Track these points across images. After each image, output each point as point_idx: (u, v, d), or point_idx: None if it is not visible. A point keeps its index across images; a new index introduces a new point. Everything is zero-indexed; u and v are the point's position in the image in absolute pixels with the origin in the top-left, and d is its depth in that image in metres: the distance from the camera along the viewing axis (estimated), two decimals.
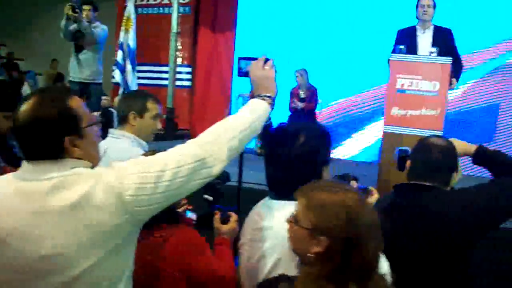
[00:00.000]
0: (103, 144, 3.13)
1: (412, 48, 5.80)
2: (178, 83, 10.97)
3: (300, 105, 8.90)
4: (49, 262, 1.60)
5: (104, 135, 3.25)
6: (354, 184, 2.21)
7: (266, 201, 2.15)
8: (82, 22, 7.45)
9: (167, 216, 2.22)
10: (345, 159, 9.51)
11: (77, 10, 7.36)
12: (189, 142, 1.80)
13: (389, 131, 5.31)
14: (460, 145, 2.64)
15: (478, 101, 9.00)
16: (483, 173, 2.71)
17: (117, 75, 9.65)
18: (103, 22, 7.98)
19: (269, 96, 2.02)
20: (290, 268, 1.79)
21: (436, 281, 2.44)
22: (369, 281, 1.55)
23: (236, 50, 11.06)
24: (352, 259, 1.52)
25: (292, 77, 9.08)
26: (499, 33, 8.85)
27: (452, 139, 2.65)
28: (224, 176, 2.73)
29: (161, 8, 11.89)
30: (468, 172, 2.66)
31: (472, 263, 2.48)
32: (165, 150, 1.79)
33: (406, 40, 5.89)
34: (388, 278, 1.82)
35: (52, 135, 1.67)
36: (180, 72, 11.33)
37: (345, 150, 9.78)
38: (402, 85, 5.25)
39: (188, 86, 11.76)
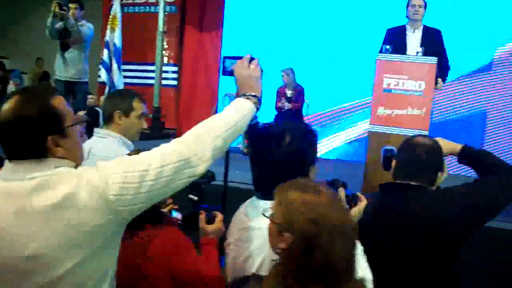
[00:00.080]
0: (88, 144, 3.13)
1: (401, 48, 5.81)
2: (164, 82, 10.96)
3: (287, 105, 8.88)
4: (32, 262, 1.59)
5: (89, 135, 3.24)
6: (342, 191, 2.20)
7: (253, 201, 2.14)
8: (69, 20, 7.40)
9: (152, 216, 2.21)
10: (331, 158, 9.53)
11: (64, 7, 7.31)
12: (174, 141, 1.79)
13: (375, 130, 5.33)
14: (445, 144, 2.65)
15: (465, 107, 9.05)
16: (469, 172, 2.71)
17: (103, 74, 9.61)
18: (89, 21, 7.94)
19: (254, 95, 2.01)
20: None
21: (423, 281, 2.44)
22: (338, 284, 1.53)
23: (223, 49, 11.06)
24: (314, 259, 1.52)
25: (278, 76, 9.07)
26: (488, 36, 8.89)
27: (437, 139, 2.65)
28: (209, 175, 2.72)
29: (147, 7, 11.86)
30: (454, 171, 2.66)
31: (472, 263, 2.49)
32: (150, 149, 1.78)
33: (395, 39, 5.91)
34: (369, 285, 1.83)
35: (35, 135, 1.66)
36: (166, 71, 11.31)
37: (331, 149, 9.80)
38: (389, 84, 5.27)
39: (174, 86, 11.75)
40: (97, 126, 3.33)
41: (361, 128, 9.35)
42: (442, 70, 5.81)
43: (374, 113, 5.34)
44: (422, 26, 6.01)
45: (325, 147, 9.69)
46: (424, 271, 2.43)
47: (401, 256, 2.43)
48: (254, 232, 2.00)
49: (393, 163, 2.62)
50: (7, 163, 1.69)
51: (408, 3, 6.01)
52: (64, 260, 1.61)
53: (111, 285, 1.79)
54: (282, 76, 9.02)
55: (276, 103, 9.05)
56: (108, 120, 3.22)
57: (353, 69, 9.28)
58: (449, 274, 2.48)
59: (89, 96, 8.93)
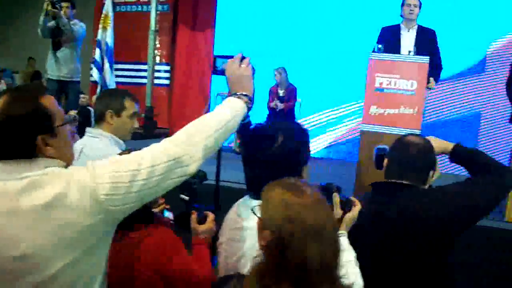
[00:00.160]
0: (80, 143, 3.11)
1: (395, 47, 5.82)
2: (156, 81, 10.95)
3: (280, 105, 8.87)
4: (23, 262, 1.58)
5: (81, 134, 3.23)
6: (336, 196, 2.20)
7: (245, 200, 2.14)
8: (62, 19, 7.36)
9: (143, 217, 2.20)
10: (323, 157, 9.53)
11: (57, 6, 7.27)
12: (165, 140, 1.78)
13: (367, 129, 5.33)
14: (437, 143, 2.65)
15: (459, 108, 9.08)
16: (462, 171, 2.72)
17: (95, 74, 9.58)
18: (81, 20, 7.91)
19: (245, 95, 2.00)
20: None
21: (415, 280, 2.45)
22: (311, 287, 1.52)
23: (215, 48, 11.05)
24: (287, 259, 1.51)
25: (271, 75, 9.06)
26: (480, 33, 8.91)
27: (430, 138, 2.66)
28: (201, 175, 2.72)
29: (139, 6, 11.83)
30: (446, 170, 2.67)
31: (472, 264, 2.49)
32: (141, 149, 1.77)
33: (390, 38, 5.91)
34: None
35: (24, 134, 1.65)
36: (158, 71, 11.30)
37: (323, 148, 9.80)
38: (381, 83, 5.27)
39: (166, 85, 11.73)
40: (89, 125, 3.32)
41: (354, 128, 9.33)
42: (435, 70, 5.82)
43: (366, 112, 5.34)
44: (416, 26, 6.02)
45: (318, 146, 9.68)
46: (416, 270, 2.43)
47: (392, 256, 2.44)
48: (246, 232, 2.00)
49: (385, 162, 2.63)
50: None
51: (403, 2, 6.02)
52: (55, 260, 1.60)
53: (103, 285, 1.79)
54: (275, 75, 9.01)
55: (268, 103, 9.04)
56: (100, 120, 3.21)
57: (346, 68, 9.27)
58: (441, 274, 2.48)
59: (81, 96, 8.90)
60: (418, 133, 4.61)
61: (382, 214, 2.47)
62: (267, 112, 9.03)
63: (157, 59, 11.31)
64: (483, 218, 2.51)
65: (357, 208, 2.21)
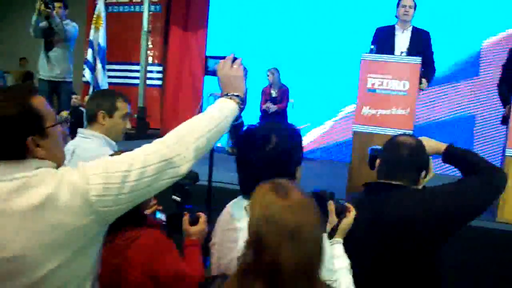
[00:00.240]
0: (72, 144, 3.11)
1: (389, 47, 5.83)
2: (149, 82, 10.92)
3: (273, 108, 8.85)
4: (13, 264, 1.58)
5: (73, 135, 3.22)
6: (331, 204, 2.21)
7: (239, 201, 2.14)
8: (55, 18, 7.33)
9: (133, 218, 2.19)
10: (314, 158, 9.54)
11: (49, 5, 7.24)
12: (156, 141, 1.78)
13: (360, 130, 5.35)
14: (430, 143, 2.66)
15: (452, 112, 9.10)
16: (457, 172, 2.72)
17: (87, 74, 9.55)
18: (73, 20, 7.88)
19: (237, 95, 2.01)
20: None
21: (403, 280, 2.45)
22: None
23: (208, 49, 11.04)
24: (261, 258, 1.51)
25: (263, 76, 9.06)
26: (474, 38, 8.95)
27: (423, 138, 2.66)
28: (193, 176, 2.71)
29: (132, 6, 11.80)
30: (443, 171, 2.67)
31: (461, 263, 2.49)
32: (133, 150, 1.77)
33: (384, 38, 5.92)
34: None
35: (14, 135, 1.64)
36: (151, 71, 11.27)
37: (316, 148, 9.80)
38: (373, 84, 5.29)
39: (159, 85, 11.70)
40: (81, 126, 3.31)
41: (347, 128, 9.32)
42: (428, 71, 5.84)
43: (358, 113, 5.36)
44: (411, 27, 6.02)
45: (310, 146, 9.68)
46: (404, 270, 2.44)
47: (381, 255, 2.44)
48: (239, 232, 2.00)
49: (377, 162, 2.63)
50: None
51: (398, 3, 6.01)
52: (46, 261, 1.60)
53: (94, 286, 1.79)
54: (267, 75, 9.00)
55: (261, 103, 9.04)
56: (92, 120, 3.20)
57: (339, 69, 9.26)
58: (430, 274, 2.49)
59: (73, 96, 8.85)
60: (410, 133, 4.62)
61: (373, 214, 2.48)
62: (259, 113, 9.02)
63: (150, 59, 11.29)
64: (474, 218, 2.52)
65: (351, 214, 2.21)
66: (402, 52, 5.71)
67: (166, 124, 10.96)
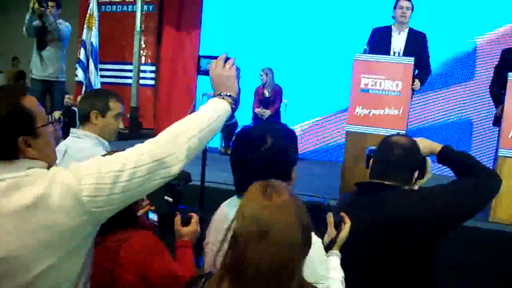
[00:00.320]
0: (64, 144, 3.10)
1: (385, 48, 5.84)
2: (142, 82, 10.89)
3: (267, 113, 8.80)
4: (6, 264, 1.57)
5: (66, 134, 3.21)
6: (330, 216, 2.21)
7: (233, 200, 2.14)
8: (48, 17, 7.30)
9: (125, 219, 2.19)
10: (307, 158, 9.53)
11: (43, 4, 7.22)
12: (148, 141, 1.78)
13: (352, 130, 5.36)
14: (426, 144, 2.66)
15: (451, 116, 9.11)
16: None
17: (80, 74, 9.53)
18: (66, 20, 7.86)
19: (229, 95, 2.01)
20: None
21: (394, 280, 2.45)
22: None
23: (201, 48, 11.02)
24: (230, 257, 1.51)
25: (257, 76, 9.05)
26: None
27: (419, 139, 2.66)
28: (185, 176, 2.71)
29: (125, 6, 11.77)
30: (442, 172, 2.66)
31: (454, 263, 2.48)
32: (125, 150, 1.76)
33: (380, 39, 5.93)
34: None
35: (5, 135, 1.63)
36: (144, 71, 11.24)
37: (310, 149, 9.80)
38: (366, 84, 5.30)
39: (152, 85, 11.68)
40: (74, 126, 3.30)
41: (340, 130, 9.31)
42: (422, 73, 5.86)
43: (351, 113, 5.37)
44: (408, 29, 6.04)
45: (303, 146, 9.67)
46: (394, 271, 2.44)
47: (372, 255, 2.44)
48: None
49: (371, 162, 2.63)
50: None
51: (395, 4, 6.02)
52: (38, 261, 1.60)
53: (87, 286, 1.79)
54: (261, 75, 8.97)
55: (253, 103, 9.00)
56: (85, 120, 3.20)
57: (334, 70, 9.23)
58: (423, 275, 2.49)
59: (66, 96, 8.82)
60: (403, 133, 4.63)
61: (364, 215, 2.48)
62: (252, 113, 8.99)
63: (143, 59, 11.26)
64: (467, 220, 2.52)
65: (347, 226, 2.21)
66: (395, 52, 5.72)
67: (159, 124, 10.94)
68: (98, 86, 9.45)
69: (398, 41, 5.97)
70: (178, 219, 2.49)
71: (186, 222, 2.49)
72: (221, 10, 10.76)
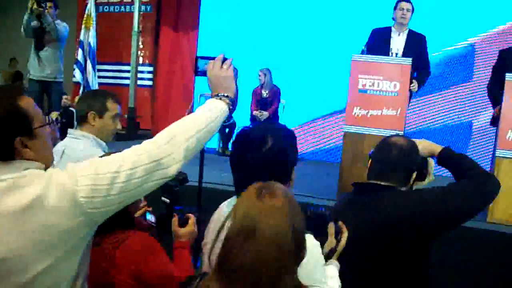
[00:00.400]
0: (62, 145, 3.09)
1: (384, 49, 5.84)
2: (139, 82, 10.88)
3: (265, 115, 8.78)
4: (3, 265, 1.57)
5: (63, 135, 3.21)
6: (332, 227, 2.21)
7: (232, 201, 2.14)
8: (47, 17, 7.30)
9: (121, 221, 2.18)
10: (307, 158, 9.53)
11: (42, 4, 7.21)
12: (145, 142, 1.77)
13: (350, 131, 5.36)
14: (426, 145, 2.66)
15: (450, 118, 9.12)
16: None
17: (77, 74, 9.53)
18: (63, 20, 7.86)
19: (227, 96, 2.01)
20: None
21: (391, 281, 2.45)
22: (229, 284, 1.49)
23: (199, 49, 11.01)
24: (219, 255, 1.53)
25: (255, 77, 9.04)
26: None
27: (420, 140, 2.66)
28: (182, 177, 2.70)
29: (122, 7, 11.76)
30: (446, 174, 2.66)
31: (451, 264, 2.48)
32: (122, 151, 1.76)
33: (379, 40, 5.94)
34: None
35: (2, 136, 1.63)
36: (141, 72, 11.24)
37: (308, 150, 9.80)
38: (364, 85, 5.30)
39: (149, 86, 11.68)
40: (71, 126, 3.30)
41: (338, 129, 9.31)
42: (422, 75, 5.86)
43: (349, 114, 5.37)
44: (407, 30, 6.04)
45: (302, 146, 9.66)
46: (388, 272, 2.44)
47: (368, 256, 2.45)
48: None
49: (369, 162, 2.63)
50: None
51: (396, 6, 6.02)
52: (35, 262, 1.60)
53: (84, 286, 1.79)
54: (259, 75, 8.95)
55: (251, 104, 8.99)
56: (82, 121, 3.19)
57: (332, 70, 9.23)
58: (418, 275, 2.49)
59: (64, 97, 8.83)
60: (401, 134, 4.63)
61: (359, 214, 2.48)
62: (250, 114, 8.97)
63: (140, 60, 11.25)
64: (463, 223, 2.51)
65: (345, 235, 2.21)
66: (392, 53, 5.73)
67: (156, 125, 10.93)
68: (96, 86, 9.43)
69: (398, 42, 5.97)
70: (175, 220, 2.49)
71: (183, 223, 2.48)
72: (219, 11, 10.76)
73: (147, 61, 11.63)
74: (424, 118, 9.04)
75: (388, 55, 5.81)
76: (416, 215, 2.38)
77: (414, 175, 2.56)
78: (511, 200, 4.69)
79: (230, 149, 8.58)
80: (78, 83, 9.70)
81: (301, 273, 1.56)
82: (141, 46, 11.15)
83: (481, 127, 8.62)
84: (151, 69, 11.67)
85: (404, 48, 5.90)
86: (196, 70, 2.24)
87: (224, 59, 2.08)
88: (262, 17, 10.15)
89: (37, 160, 1.70)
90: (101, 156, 1.91)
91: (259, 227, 1.46)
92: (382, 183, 2.51)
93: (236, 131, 8.34)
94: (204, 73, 2.12)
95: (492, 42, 8.73)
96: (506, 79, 4.92)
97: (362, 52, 5.48)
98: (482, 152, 8.52)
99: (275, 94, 8.94)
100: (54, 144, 2.50)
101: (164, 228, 2.55)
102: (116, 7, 11.82)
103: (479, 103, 8.67)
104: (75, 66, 9.60)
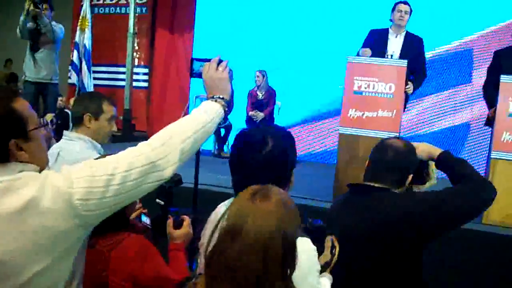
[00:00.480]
0: (57, 147, 3.09)
1: (381, 50, 5.84)
2: (135, 84, 10.88)
3: (260, 116, 8.79)
4: None
5: (59, 137, 3.20)
6: (328, 241, 2.22)
7: (230, 202, 2.14)
8: (43, 19, 7.28)
9: (116, 223, 2.18)
10: (303, 159, 9.53)
11: (39, 5, 7.19)
12: (141, 144, 1.77)
13: (346, 132, 5.36)
14: (424, 148, 2.66)
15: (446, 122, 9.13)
16: None
17: (73, 76, 9.52)
18: (58, 22, 7.84)
19: (222, 98, 2.01)
20: None
21: (386, 282, 2.46)
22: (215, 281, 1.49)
23: (194, 51, 11.01)
24: (208, 254, 1.53)
25: (250, 78, 9.04)
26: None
27: (419, 143, 2.67)
28: (177, 178, 2.70)
29: (117, 8, 11.76)
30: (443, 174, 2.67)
31: (446, 265, 2.48)
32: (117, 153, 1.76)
33: (377, 41, 5.93)
34: None
35: None
36: (137, 73, 11.23)
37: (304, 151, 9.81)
38: (359, 87, 5.30)
39: (145, 87, 11.68)
40: (67, 128, 3.30)
41: (333, 131, 9.31)
42: (418, 77, 5.86)
43: (344, 115, 5.37)
44: (405, 32, 6.03)
45: (297, 149, 9.63)
46: (388, 273, 2.45)
47: (361, 258, 2.45)
48: None
49: (366, 164, 2.64)
50: None
51: (394, 7, 6.01)
52: (30, 265, 1.59)
53: (79, 287, 1.78)
54: (256, 76, 8.93)
55: (247, 106, 8.99)
56: (78, 123, 3.19)
57: (327, 72, 9.23)
58: (413, 277, 2.50)
59: (59, 98, 8.82)
60: (396, 136, 4.64)
61: (358, 214, 2.49)
62: (246, 116, 8.96)
63: (136, 61, 11.26)
64: (463, 223, 2.51)
65: (336, 250, 2.22)
66: (387, 55, 5.73)
67: (152, 126, 10.94)
68: (91, 88, 9.43)
69: (395, 44, 5.97)
70: (170, 222, 2.49)
71: (178, 224, 2.48)
72: (214, 12, 10.76)
73: (142, 63, 11.64)
74: (423, 120, 9.06)
75: (384, 56, 5.80)
76: (416, 215, 2.39)
77: (410, 177, 2.57)
78: (507, 202, 4.69)
79: (226, 151, 8.62)
80: (73, 85, 9.71)
81: (295, 275, 1.56)
82: (136, 48, 11.16)
83: (478, 127, 8.64)
84: (146, 70, 11.68)
85: (401, 50, 5.89)
86: (192, 72, 2.24)
87: (220, 61, 2.08)
88: (257, 19, 10.15)
89: (32, 162, 1.69)
90: (96, 158, 1.91)
91: (245, 227, 1.47)
92: (376, 185, 2.51)
93: (232, 133, 8.36)
94: (199, 75, 2.12)
95: (489, 40, 8.75)
96: (500, 81, 4.93)
97: (358, 54, 5.48)
98: (477, 154, 8.54)
99: (271, 95, 8.94)
100: (50, 146, 2.50)
101: (159, 230, 2.55)
102: (111, 8, 11.82)
103: (476, 104, 8.69)
104: (70, 67, 9.61)
